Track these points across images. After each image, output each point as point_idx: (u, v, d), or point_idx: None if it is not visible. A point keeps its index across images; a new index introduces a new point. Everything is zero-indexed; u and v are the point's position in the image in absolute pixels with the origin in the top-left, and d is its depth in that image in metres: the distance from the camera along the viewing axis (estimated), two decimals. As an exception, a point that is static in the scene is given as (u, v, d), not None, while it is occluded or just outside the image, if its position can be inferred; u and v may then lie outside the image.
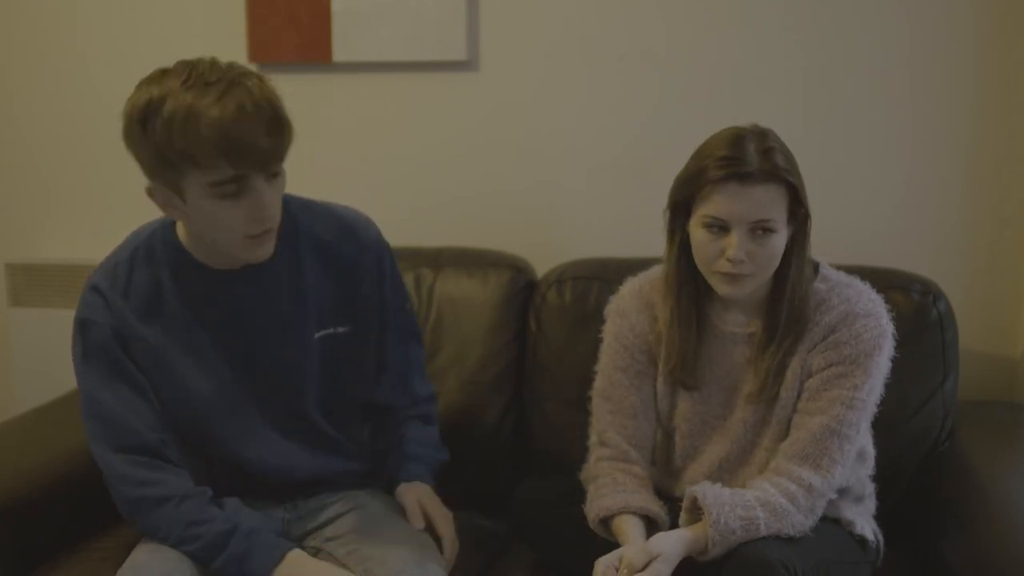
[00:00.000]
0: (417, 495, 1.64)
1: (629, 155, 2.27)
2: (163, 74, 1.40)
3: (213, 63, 1.40)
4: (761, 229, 1.51)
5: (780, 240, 1.53)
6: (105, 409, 1.53)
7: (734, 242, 1.51)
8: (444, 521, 1.63)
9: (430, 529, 1.62)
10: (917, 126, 2.14)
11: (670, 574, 1.46)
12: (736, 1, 2.17)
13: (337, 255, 1.62)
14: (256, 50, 2.38)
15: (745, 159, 1.49)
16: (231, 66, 1.40)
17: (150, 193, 1.46)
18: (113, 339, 1.52)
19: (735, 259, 1.51)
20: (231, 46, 2.40)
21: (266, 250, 1.49)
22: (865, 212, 2.19)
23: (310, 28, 2.33)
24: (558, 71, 2.28)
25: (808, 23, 2.15)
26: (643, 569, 1.44)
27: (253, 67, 2.37)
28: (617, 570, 1.46)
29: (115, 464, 1.52)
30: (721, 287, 1.57)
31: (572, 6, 2.26)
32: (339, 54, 2.34)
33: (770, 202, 1.50)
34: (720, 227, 1.52)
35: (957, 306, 1.98)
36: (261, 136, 1.37)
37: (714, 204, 1.52)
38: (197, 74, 1.36)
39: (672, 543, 1.48)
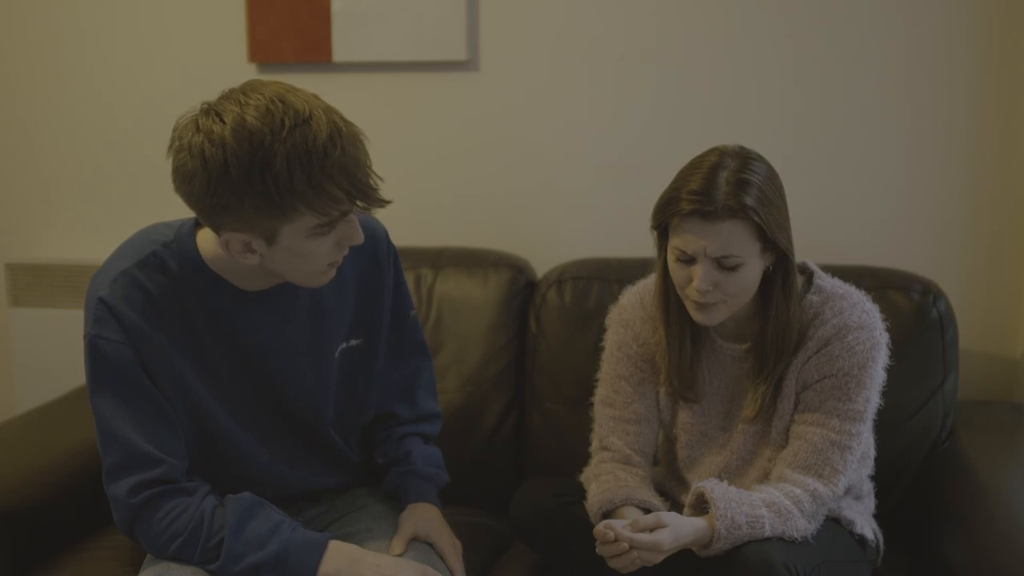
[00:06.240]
0: (426, 524, 1.59)
1: (629, 155, 2.27)
2: (242, 119, 1.27)
3: (260, 92, 1.30)
4: (727, 263, 1.50)
5: (750, 271, 1.52)
6: (125, 443, 1.43)
7: (699, 273, 1.51)
8: (453, 553, 1.59)
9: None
10: (917, 126, 2.14)
11: (671, 546, 1.46)
12: (735, 1, 2.18)
13: (361, 267, 1.58)
14: (256, 50, 2.38)
15: (712, 196, 1.47)
16: (284, 94, 1.30)
17: (226, 244, 1.37)
18: (128, 356, 1.42)
19: (701, 290, 1.52)
20: (231, 46, 2.41)
21: (333, 274, 1.45)
22: (865, 212, 2.19)
23: (310, 28, 2.34)
24: (558, 71, 2.29)
25: (807, 23, 2.15)
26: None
27: (253, 67, 2.40)
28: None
29: (134, 506, 1.44)
30: (694, 314, 1.58)
31: (572, 6, 2.26)
32: (339, 54, 2.34)
33: (735, 238, 1.49)
34: (687, 259, 1.53)
35: (957, 306, 1.98)
36: (364, 158, 1.32)
37: (680, 238, 1.52)
38: (279, 112, 1.27)
39: (682, 523, 1.49)
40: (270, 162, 1.26)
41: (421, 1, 2.28)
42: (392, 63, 2.34)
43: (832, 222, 2.19)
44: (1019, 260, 2.14)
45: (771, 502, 1.51)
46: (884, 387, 1.62)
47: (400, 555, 1.52)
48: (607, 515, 1.61)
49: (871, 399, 1.59)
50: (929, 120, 2.13)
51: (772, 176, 1.54)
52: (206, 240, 1.45)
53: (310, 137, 1.27)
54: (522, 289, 2.15)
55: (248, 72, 2.40)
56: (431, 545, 1.57)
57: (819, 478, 1.55)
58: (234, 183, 1.28)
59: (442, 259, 2.19)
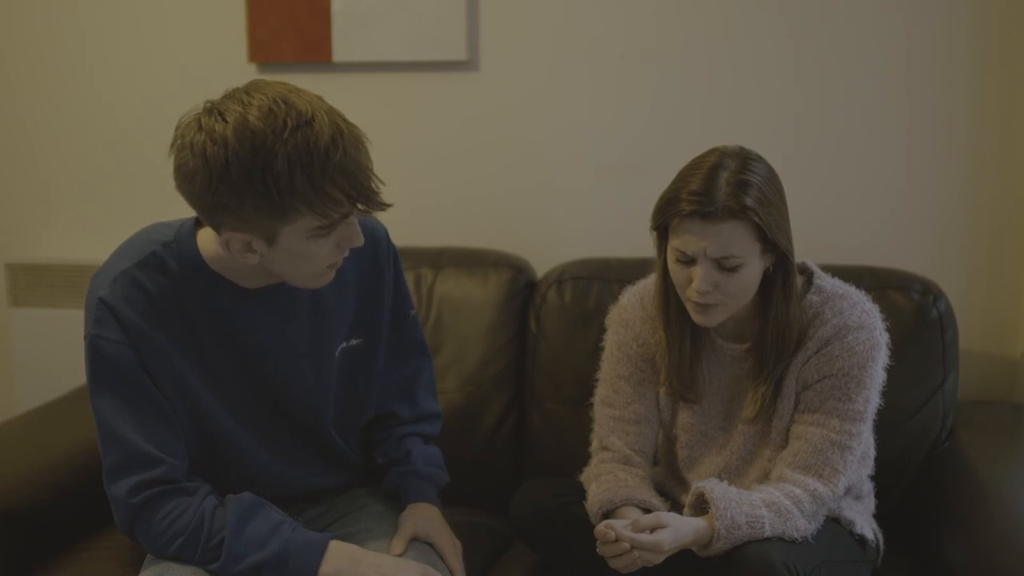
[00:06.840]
0: (426, 524, 1.59)
1: (629, 155, 2.27)
2: (245, 119, 1.27)
3: (263, 92, 1.30)
4: (727, 264, 1.50)
5: (750, 271, 1.52)
6: (125, 443, 1.43)
7: (699, 274, 1.51)
8: (453, 553, 1.59)
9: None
10: (917, 126, 2.14)
11: (671, 546, 1.46)
12: (735, 1, 2.18)
13: (361, 267, 1.58)
14: (256, 50, 2.38)
15: (712, 196, 1.47)
16: (287, 94, 1.30)
17: (226, 243, 1.36)
18: (128, 356, 1.42)
19: (701, 291, 1.51)
20: (231, 46, 2.41)
21: (332, 275, 1.45)
22: (865, 212, 2.19)
23: (310, 28, 2.34)
24: (558, 71, 2.29)
25: (807, 23, 2.15)
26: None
27: (253, 67, 2.40)
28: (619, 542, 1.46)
29: (134, 506, 1.44)
30: (694, 315, 1.58)
31: (572, 6, 2.26)
32: (339, 54, 2.34)
33: (735, 239, 1.48)
34: (687, 260, 1.53)
35: (957, 306, 1.98)
36: (366, 161, 1.33)
37: (680, 239, 1.52)
38: (282, 113, 1.27)
39: (682, 523, 1.49)
40: (271, 162, 1.26)
41: (421, 1, 2.28)
42: (392, 63, 2.34)
43: (832, 222, 2.19)
44: (1019, 260, 2.14)
45: (771, 502, 1.51)
46: (884, 387, 1.62)
47: (400, 555, 1.52)
48: (607, 515, 1.61)
49: (871, 399, 1.59)
50: (929, 120, 2.13)
51: (772, 177, 1.54)
52: (206, 240, 1.45)
53: (312, 138, 1.27)
54: (522, 289, 2.15)
55: (248, 72, 2.40)
56: (431, 545, 1.57)
57: (819, 478, 1.55)
58: (235, 182, 1.28)
59: (442, 259, 2.19)
